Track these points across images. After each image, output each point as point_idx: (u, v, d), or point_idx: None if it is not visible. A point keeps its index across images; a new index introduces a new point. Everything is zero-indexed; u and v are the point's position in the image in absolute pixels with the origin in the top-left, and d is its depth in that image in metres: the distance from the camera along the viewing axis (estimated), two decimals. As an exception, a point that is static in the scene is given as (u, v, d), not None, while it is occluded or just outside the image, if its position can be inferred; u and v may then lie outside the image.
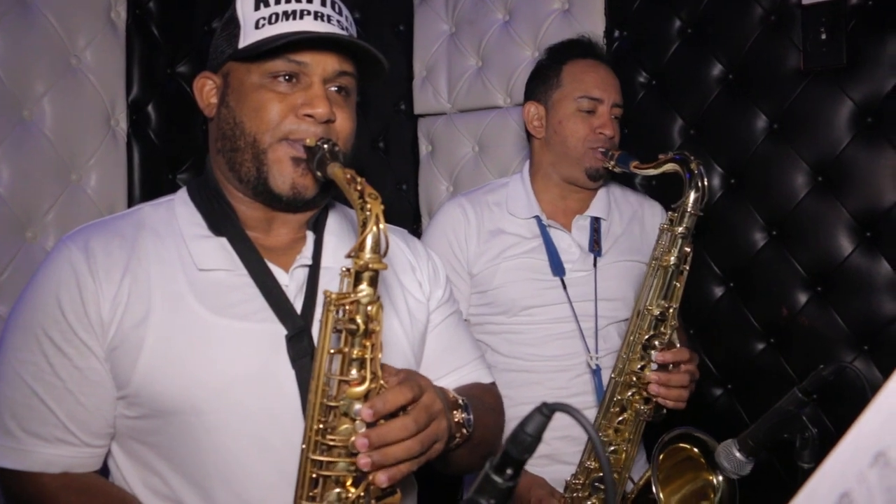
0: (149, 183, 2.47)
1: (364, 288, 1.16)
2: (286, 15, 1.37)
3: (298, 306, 1.40)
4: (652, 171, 1.94)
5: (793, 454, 1.51)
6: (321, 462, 1.18)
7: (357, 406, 1.15)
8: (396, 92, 3.26)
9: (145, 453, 1.35)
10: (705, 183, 1.83)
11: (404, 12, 3.26)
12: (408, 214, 3.28)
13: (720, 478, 1.68)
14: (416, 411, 1.19)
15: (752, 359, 2.56)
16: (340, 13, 1.44)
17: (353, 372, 1.16)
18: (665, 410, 1.86)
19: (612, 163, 2.06)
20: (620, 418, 1.87)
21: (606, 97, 2.13)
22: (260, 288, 1.38)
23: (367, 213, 1.16)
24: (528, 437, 0.76)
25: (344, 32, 1.41)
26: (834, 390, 2.16)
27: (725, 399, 2.63)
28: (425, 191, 3.27)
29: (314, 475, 1.19)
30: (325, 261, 1.46)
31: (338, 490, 1.18)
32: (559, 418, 0.79)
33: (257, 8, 1.39)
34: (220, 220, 1.43)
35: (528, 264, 2.11)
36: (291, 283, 1.42)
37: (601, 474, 1.88)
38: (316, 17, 1.38)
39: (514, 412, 2.02)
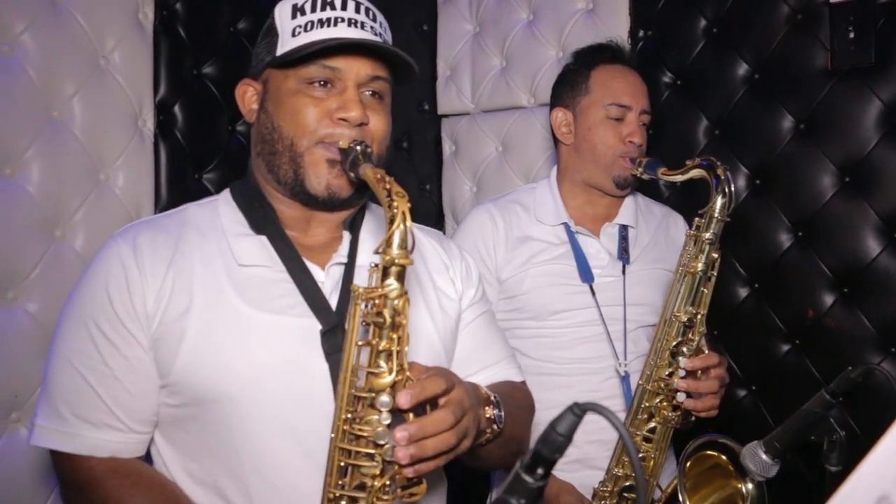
0: (175, 182, 2.49)
1: (391, 282, 1.19)
2: (321, 23, 1.42)
3: (334, 303, 1.45)
4: (679, 178, 1.93)
5: (820, 456, 1.50)
6: (349, 451, 1.21)
7: (384, 398, 1.18)
8: (420, 92, 3.26)
9: (185, 440, 1.42)
10: (732, 188, 1.82)
11: (428, 12, 3.27)
12: (431, 214, 3.28)
13: (749, 485, 1.66)
14: (452, 405, 1.21)
15: (777, 360, 2.54)
16: (374, 19, 1.48)
17: (382, 364, 1.19)
18: (693, 417, 1.84)
19: (641, 170, 2.05)
20: (649, 425, 1.86)
21: (635, 104, 2.12)
22: (297, 284, 1.44)
23: (395, 210, 1.19)
24: (560, 436, 0.76)
25: (377, 38, 1.45)
26: (860, 392, 2.14)
27: (749, 401, 2.61)
28: (448, 191, 3.28)
29: (342, 463, 1.22)
30: (361, 259, 1.51)
31: (365, 479, 1.21)
32: (591, 421, 0.79)
33: (294, 17, 1.44)
34: (261, 219, 1.49)
35: (557, 270, 2.11)
36: (328, 280, 1.47)
37: (629, 483, 1.87)
38: (350, 24, 1.43)
39: (545, 416, 2.00)
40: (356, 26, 1.43)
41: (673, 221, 2.31)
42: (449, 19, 3.24)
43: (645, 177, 2.06)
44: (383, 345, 1.20)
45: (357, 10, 1.45)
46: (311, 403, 1.37)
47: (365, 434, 1.19)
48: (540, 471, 0.77)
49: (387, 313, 1.19)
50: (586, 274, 2.09)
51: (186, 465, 1.42)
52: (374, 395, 1.19)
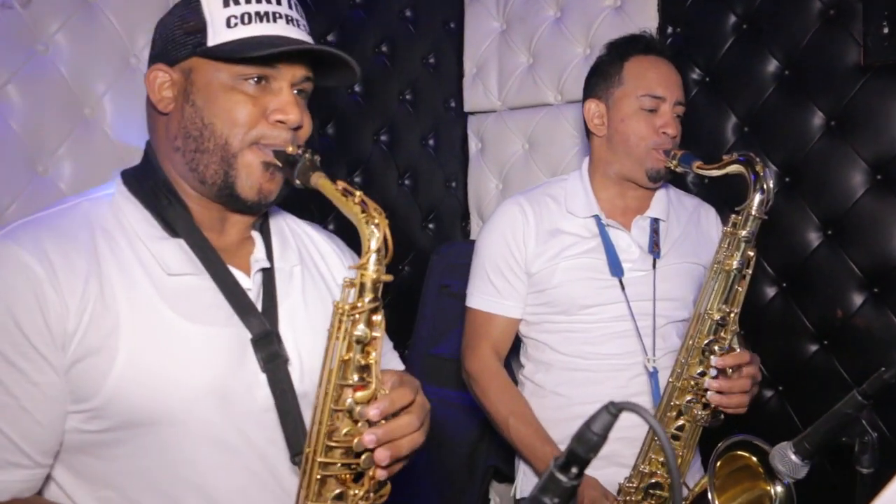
0: (204, 179, 2.52)
1: (370, 298, 1.21)
2: (259, 16, 1.34)
3: (259, 309, 1.40)
4: (716, 172, 1.87)
5: (851, 458, 1.49)
6: (325, 463, 1.23)
7: (361, 409, 1.21)
8: (447, 89, 3.27)
9: (100, 468, 1.29)
10: (770, 185, 1.77)
11: (455, 9, 3.28)
12: (456, 212, 3.29)
13: (778, 487, 1.64)
14: (417, 410, 1.26)
15: (804, 360, 2.52)
16: (302, 16, 1.42)
17: (355, 377, 1.22)
18: (723, 416, 1.83)
19: (675, 163, 2.00)
20: (677, 423, 1.85)
21: (669, 95, 2.08)
22: (224, 292, 1.36)
23: (375, 227, 1.19)
24: (595, 436, 0.76)
25: (310, 38, 1.40)
26: (888, 394, 2.12)
27: (776, 401, 2.59)
28: (474, 188, 3.29)
29: (318, 476, 1.23)
30: (276, 263, 1.47)
31: (339, 489, 1.25)
32: (620, 419, 0.79)
33: (226, 5, 1.34)
34: (174, 219, 1.37)
35: (587, 264, 2.09)
36: (253, 286, 1.41)
37: (655, 480, 1.86)
38: (288, 22, 1.37)
39: (574, 411, 2.03)
40: (293, 24, 1.37)
41: (704, 213, 2.28)
42: (476, 17, 3.25)
43: (679, 170, 2.02)
44: (360, 359, 1.21)
45: (290, 6, 1.39)
46: (254, 415, 1.34)
47: (340, 445, 1.22)
48: (574, 470, 0.78)
49: (366, 328, 1.21)
50: (616, 267, 2.07)
51: (99, 493, 1.29)
52: (351, 406, 1.21)
